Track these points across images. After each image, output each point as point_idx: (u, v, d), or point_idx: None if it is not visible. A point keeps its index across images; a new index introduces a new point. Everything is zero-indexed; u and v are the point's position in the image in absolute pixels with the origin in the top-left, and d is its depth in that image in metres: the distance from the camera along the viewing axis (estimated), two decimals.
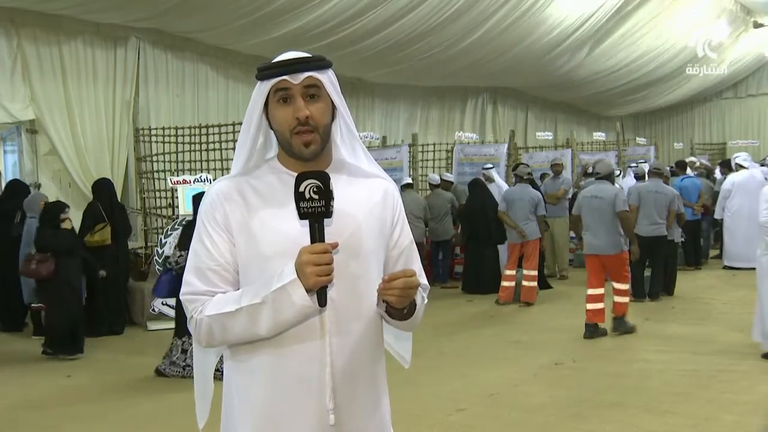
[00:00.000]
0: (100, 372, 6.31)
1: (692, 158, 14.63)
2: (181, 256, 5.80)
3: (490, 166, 10.93)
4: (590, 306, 6.93)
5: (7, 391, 5.82)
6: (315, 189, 1.59)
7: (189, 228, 5.86)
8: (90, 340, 7.11)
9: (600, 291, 6.96)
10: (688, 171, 11.96)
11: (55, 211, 6.93)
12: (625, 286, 7.12)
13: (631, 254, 7.11)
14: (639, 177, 10.32)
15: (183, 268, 1.83)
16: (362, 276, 1.72)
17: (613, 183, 7.41)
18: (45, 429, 4.96)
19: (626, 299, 7.11)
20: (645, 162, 11.57)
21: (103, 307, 7.71)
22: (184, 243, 5.86)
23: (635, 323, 7.29)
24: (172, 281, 5.98)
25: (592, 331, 6.91)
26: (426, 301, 1.88)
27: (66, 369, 6.38)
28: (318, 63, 1.70)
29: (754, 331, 6.07)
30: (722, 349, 6.34)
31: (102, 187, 8.12)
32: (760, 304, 5.90)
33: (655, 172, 8.92)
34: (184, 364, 5.85)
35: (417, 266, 1.87)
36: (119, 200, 9.30)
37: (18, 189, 8.19)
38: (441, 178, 11.08)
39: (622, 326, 7.04)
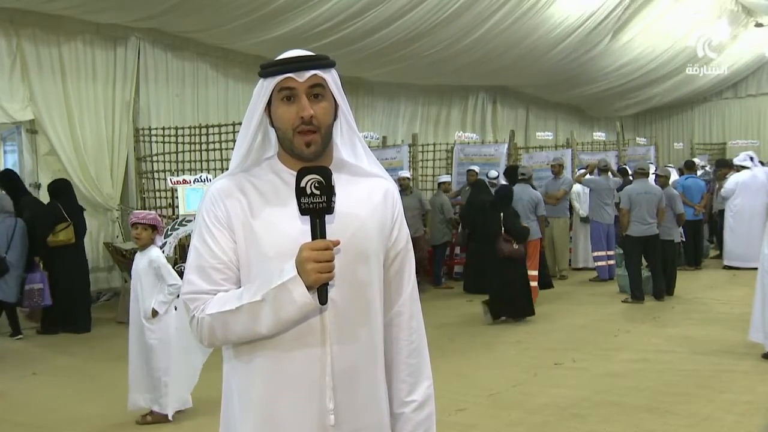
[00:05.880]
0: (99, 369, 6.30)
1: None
2: None
3: (495, 174, 10.76)
4: None
5: None
6: (316, 184, 1.57)
7: None
8: (89, 337, 7.06)
9: None
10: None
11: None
12: None
13: None
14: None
15: None
16: (363, 276, 1.72)
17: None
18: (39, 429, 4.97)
19: None
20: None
21: (64, 306, 7.71)
22: None
23: (636, 325, 7.44)
24: None
25: None
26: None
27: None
28: (323, 62, 1.70)
29: (751, 330, 5.98)
30: (722, 349, 6.34)
31: (62, 187, 8.07)
32: (763, 302, 5.82)
33: (640, 173, 8.97)
34: None
35: (411, 268, 1.87)
36: (118, 200, 9.34)
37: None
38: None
39: None
